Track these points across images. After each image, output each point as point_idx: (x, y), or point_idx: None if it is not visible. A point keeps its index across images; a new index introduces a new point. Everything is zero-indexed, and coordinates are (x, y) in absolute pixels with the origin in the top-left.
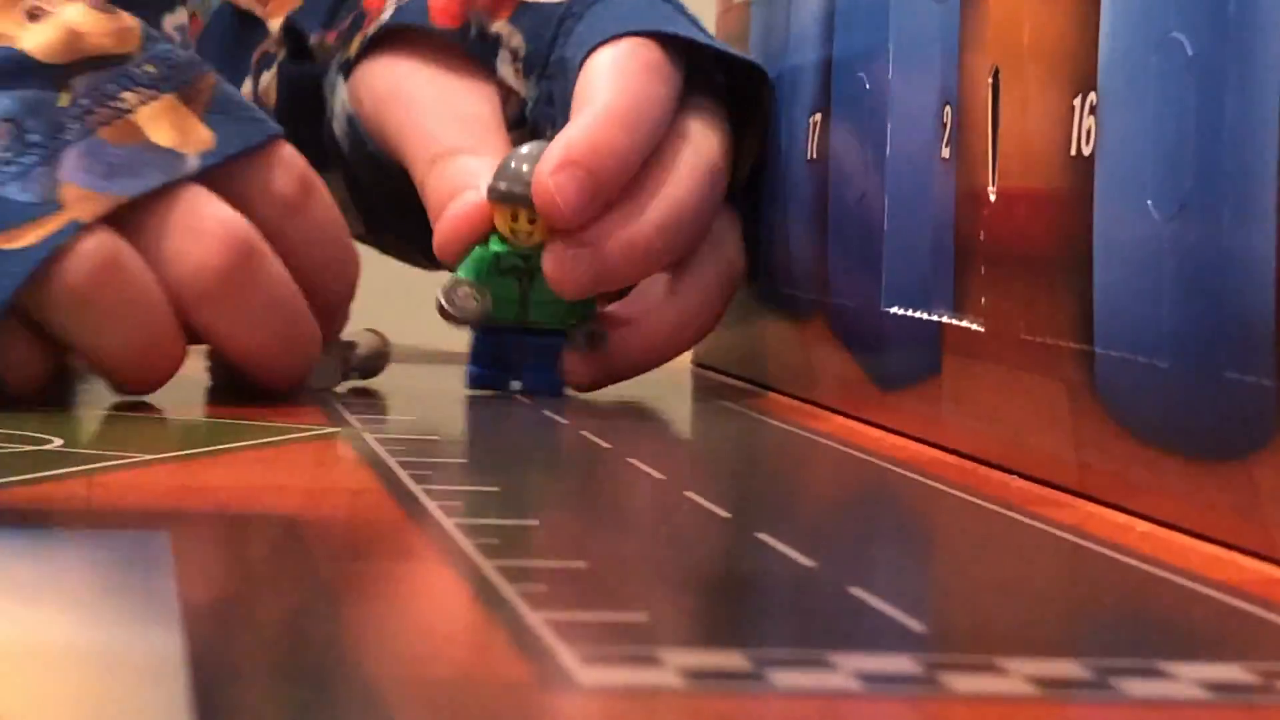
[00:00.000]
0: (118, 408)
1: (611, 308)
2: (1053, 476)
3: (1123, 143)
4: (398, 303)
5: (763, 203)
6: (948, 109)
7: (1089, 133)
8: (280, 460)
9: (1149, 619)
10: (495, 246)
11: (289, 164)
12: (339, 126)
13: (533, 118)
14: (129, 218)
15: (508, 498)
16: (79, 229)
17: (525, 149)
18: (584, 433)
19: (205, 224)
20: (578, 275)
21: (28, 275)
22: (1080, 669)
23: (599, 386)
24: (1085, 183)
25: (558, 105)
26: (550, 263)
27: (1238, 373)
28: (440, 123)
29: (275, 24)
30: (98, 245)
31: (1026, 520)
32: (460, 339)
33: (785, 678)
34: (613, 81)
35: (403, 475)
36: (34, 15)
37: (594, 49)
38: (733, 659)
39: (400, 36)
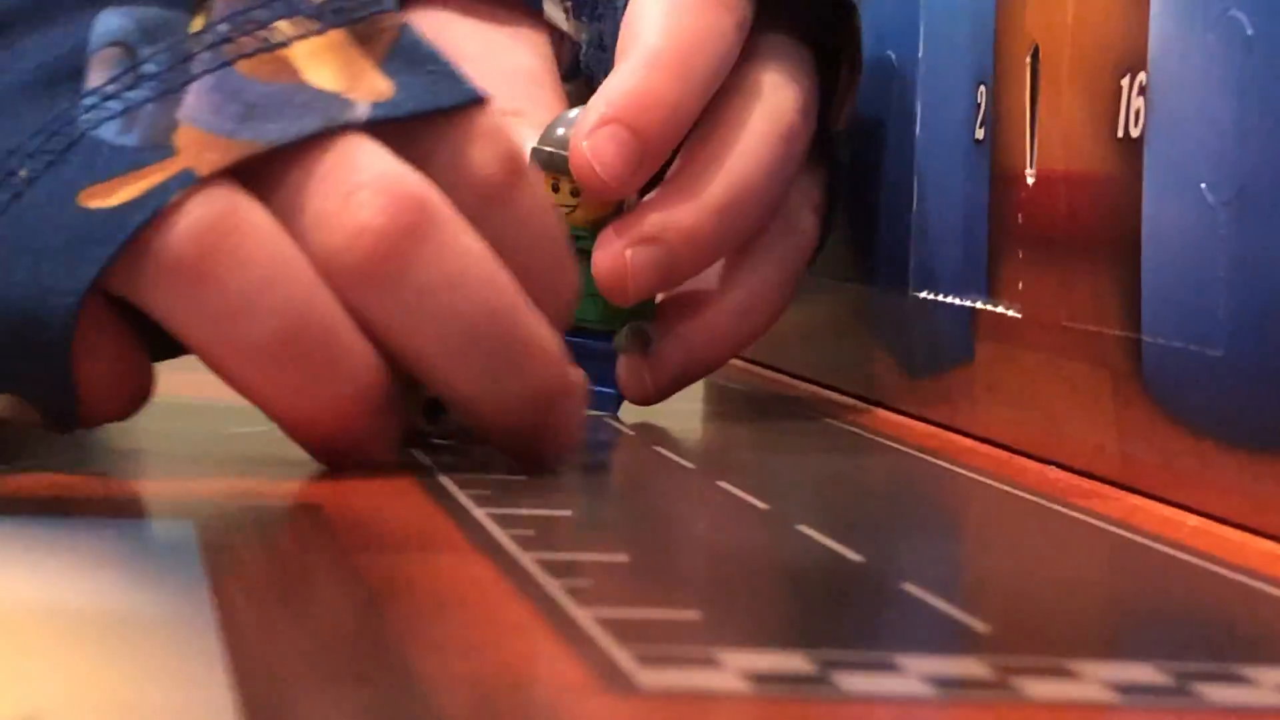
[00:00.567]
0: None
1: (661, 298)
2: (1092, 467)
3: (1176, 125)
4: None
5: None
6: (981, 89)
7: (1138, 114)
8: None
9: (1216, 619)
10: None
11: (492, 136)
12: None
13: (587, 65)
14: (263, 172)
15: (539, 488)
16: (193, 182)
17: (576, 111)
18: (608, 421)
19: (365, 177)
20: (636, 275)
21: (121, 245)
22: (1156, 673)
23: (664, 397)
24: (1133, 166)
25: (609, 50)
26: (602, 261)
27: None
28: (484, 80)
29: None
30: (217, 204)
31: (1070, 512)
32: None
33: (852, 681)
34: (661, 17)
35: (435, 469)
36: None
37: None
38: (794, 661)
39: None
